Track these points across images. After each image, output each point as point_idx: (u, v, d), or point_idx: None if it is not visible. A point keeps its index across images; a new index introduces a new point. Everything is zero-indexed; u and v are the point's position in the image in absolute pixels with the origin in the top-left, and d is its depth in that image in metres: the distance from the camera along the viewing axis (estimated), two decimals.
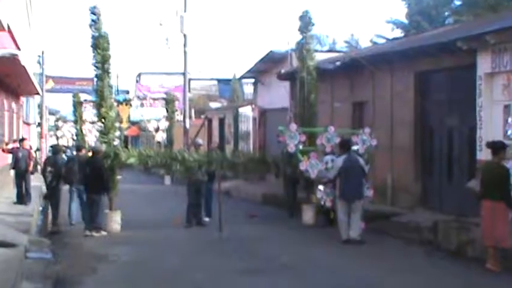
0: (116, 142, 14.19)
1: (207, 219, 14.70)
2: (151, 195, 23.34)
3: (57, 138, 53.53)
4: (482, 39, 11.55)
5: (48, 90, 39.32)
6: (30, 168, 17.89)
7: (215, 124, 35.02)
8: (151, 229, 14.07)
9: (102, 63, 13.72)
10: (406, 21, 37.00)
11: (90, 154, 14.11)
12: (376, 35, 39.57)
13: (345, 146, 12.62)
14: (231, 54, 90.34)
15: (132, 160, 13.72)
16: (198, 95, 47.95)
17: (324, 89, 17.49)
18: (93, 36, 13.72)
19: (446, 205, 13.77)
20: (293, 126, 14.00)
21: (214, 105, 45.57)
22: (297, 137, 13.87)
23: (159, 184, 28.36)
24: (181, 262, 10.42)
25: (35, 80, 22.60)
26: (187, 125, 27.38)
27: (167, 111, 32.35)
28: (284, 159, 15.14)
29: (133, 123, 46.15)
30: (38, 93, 27.67)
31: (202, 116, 39.13)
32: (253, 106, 28.28)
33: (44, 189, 16.10)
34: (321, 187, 13.52)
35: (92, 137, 34.88)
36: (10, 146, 18.60)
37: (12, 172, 18.24)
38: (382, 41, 35.27)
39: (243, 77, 29.84)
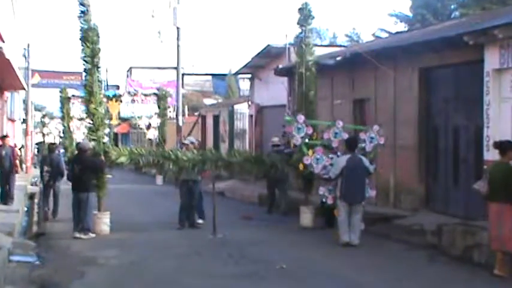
0: (106, 140, 14.17)
1: (200, 221, 14.70)
2: (142, 195, 23.32)
3: (44, 135, 53.46)
4: (490, 34, 11.54)
5: (34, 85, 39.18)
6: (18, 168, 17.93)
7: (209, 122, 34.99)
8: (142, 231, 14.06)
9: (91, 56, 13.66)
10: (410, 14, 37.11)
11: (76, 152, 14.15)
12: (378, 29, 39.71)
13: (351, 145, 12.63)
14: (226, 48, 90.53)
15: (122, 159, 13.69)
16: (192, 91, 47.94)
17: (324, 85, 17.48)
18: (82, 29, 13.67)
19: (451, 207, 13.77)
20: (301, 118, 13.99)
21: (208, 101, 45.58)
22: (304, 129, 13.90)
23: (150, 184, 28.34)
24: (173, 266, 10.40)
25: (20, 74, 22.53)
26: (180, 123, 27.40)
27: (159, 107, 32.30)
28: (274, 158, 15.09)
29: (123, 120, 45.97)
30: (23, 88, 27.61)
31: (196, 113, 39.11)
32: (250, 103, 28.27)
33: (30, 188, 16.31)
34: (322, 188, 13.50)
35: (80, 135, 34.81)
36: None
37: None
38: (385, 35, 35.34)
39: (238, 72, 29.81)
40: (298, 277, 9.59)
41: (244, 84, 35.42)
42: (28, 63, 35.72)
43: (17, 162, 18.02)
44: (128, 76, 54.12)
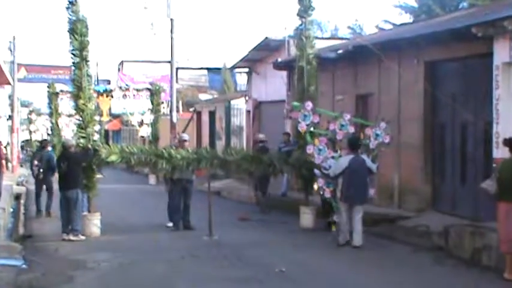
0: (96, 137, 14.16)
1: (170, 224, 14.61)
2: (134, 195, 23.32)
3: (30, 132, 53.37)
4: (500, 26, 11.53)
5: (20, 80, 39.21)
6: (4, 169, 18.09)
7: (205, 118, 35.00)
8: (134, 233, 14.06)
9: (80, 50, 13.65)
10: (415, 5, 37.07)
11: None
12: (382, 21, 39.66)
13: (353, 145, 12.70)
14: (222, 41, 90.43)
15: (113, 157, 13.67)
16: (186, 86, 47.89)
17: (325, 79, 17.47)
18: (70, 20, 13.64)
19: (459, 208, 13.78)
20: (309, 105, 14.05)
21: (204, 97, 45.53)
22: (311, 117, 13.97)
23: (143, 184, 28.33)
24: (166, 269, 10.40)
25: (6, 69, 22.51)
26: (175, 119, 27.37)
27: (152, 103, 32.25)
28: (281, 157, 15.16)
29: (114, 116, 45.96)
30: (8, 83, 27.61)
31: (191, 109, 39.09)
32: (247, 98, 28.27)
33: (16, 188, 16.46)
34: (321, 180, 13.61)
35: (69, 132, 34.78)
36: None
37: None
38: (389, 27, 35.32)
39: (235, 66, 29.81)
40: (299, 281, 9.60)
41: (241, 79, 35.45)
42: (14, 56, 35.73)
43: (3, 161, 18.11)
44: (119, 70, 54.03)
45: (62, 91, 33.45)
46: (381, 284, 9.48)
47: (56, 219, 14.13)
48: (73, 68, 13.94)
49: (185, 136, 15.66)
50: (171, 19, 26.58)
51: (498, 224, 9.64)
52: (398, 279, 9.74)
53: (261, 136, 18.45)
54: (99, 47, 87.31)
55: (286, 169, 15.24)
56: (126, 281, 9.71)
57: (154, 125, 31.38)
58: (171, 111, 28.05)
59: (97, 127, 14.84)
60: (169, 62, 27.81)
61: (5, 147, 31.01)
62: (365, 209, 12.56)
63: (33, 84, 47.07)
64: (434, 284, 9.52)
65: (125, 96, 41.52)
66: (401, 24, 30.26)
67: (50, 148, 18.35)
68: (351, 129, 13.76)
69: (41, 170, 16.90)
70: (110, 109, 38.64)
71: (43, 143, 18.25)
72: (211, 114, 33.77)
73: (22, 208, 19.02)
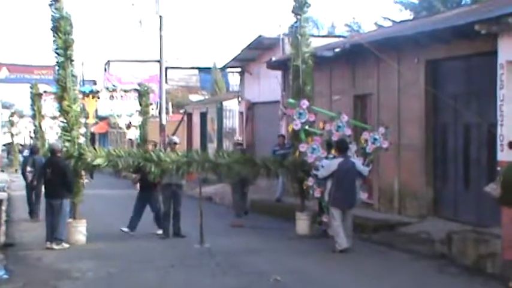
0: (81, 140, 14.10)
1: (160, 231, 14.62)
2: (121, 201, 23.17)
3: (12, 135, 53.23)
4: (504, 22, 11.53)
5: (1, 80, 39.16)
6: None
7: (196, 120, 34.98)
8: (122, 241, 14.02)
9: (64, 48, 13.62)
10: (416, 1, 37.18)
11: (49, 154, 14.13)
12: (381, 17, 39.76)
13: (340, 147, 12.85)
14: (213, 39, 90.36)
15: (99, 161, 13.63)
16: (176, 87, 47.90)
17: (321, 79, 17.48)
18: (53, 18, 13.61)
19: (462, 213, 13.80)
20: (304, 103, 14.10)
21: (194, 98, 45.52)
22: (306, 115, 14.02)
23: (130, 189, 28.18)
24: (155, 278, 10.36)
25: None
26: (164, 121, 27.32)
27: (140, 104, 32.07)
28: (276, 160, 15.18)
29: (101, 118, 45.94)
30: None
31: (181, 111, 39.06)
32: (240, 99, 28.26)
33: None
34: (311, 179, 13.74)
35: (53, 135, 34.68)
36: None
37: None
38: (388, 24, 35.37)
39: (227, 65, 29.79)
40: None
41: (234, 79, 35.43)
42: None
43: None
44: (105, 70, 54.01)
45: (45, 92, 33.41)
46: None
47: (40, 227, 14.07)
48: (57, 67, 13.92)
49: (175, 139, 15.64)
50: (160, 16, 26.55)
51: (502, 230, 9.64)
52: None
53: (240, 138, 18.39)
54: (84, 45, 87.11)
55: (282, 172, 15.25)
56: None
57: (142, 127, 31.26)
58: (160, 112, 28.02)
59: (82, 130, 14.76)
60: (158, 61, 27.80)
61: None
62: (364, 215, 12.63)
63: (15, 85, 46.97)
64: None
65: (111, 97, 41.55)
66: (401, 21, 30.24)
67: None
68: (348, 132, 13.78)
69: (35, 176, 16.75)
70: (96, 111, 38.63)
71: (34, 149, 18.79)
72: (203, 116, 33.76)
73: (3, 215, 18.93)
